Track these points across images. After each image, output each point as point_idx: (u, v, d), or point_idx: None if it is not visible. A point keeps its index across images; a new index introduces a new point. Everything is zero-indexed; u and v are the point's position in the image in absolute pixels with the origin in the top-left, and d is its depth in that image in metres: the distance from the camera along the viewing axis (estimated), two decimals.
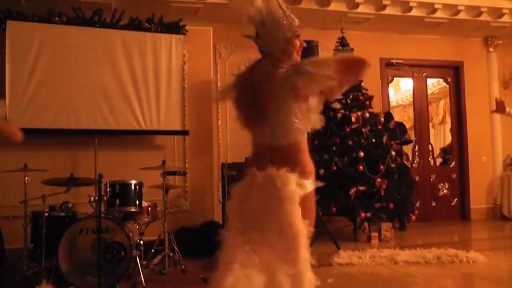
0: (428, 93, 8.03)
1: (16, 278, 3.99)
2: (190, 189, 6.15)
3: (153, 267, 4.35)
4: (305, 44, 2.28)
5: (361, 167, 5.75)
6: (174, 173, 5.39)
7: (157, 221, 4.58)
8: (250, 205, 2.04)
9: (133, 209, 4.30)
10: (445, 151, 8.50)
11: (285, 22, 2.24)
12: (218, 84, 6.52)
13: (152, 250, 4.57)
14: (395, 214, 6.10)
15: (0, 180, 4.94)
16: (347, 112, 6.04)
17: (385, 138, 6.01)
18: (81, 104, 5.49)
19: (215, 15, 6.21)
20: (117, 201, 4.19)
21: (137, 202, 4.32)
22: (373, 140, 5.94)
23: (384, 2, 6.47)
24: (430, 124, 8.69)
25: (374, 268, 4.39)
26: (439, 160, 8.22)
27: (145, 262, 4.34)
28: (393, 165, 5.94)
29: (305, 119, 2.08)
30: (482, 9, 6.90)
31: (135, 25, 5.79)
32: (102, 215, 3.73)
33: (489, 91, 7.82)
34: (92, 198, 4.17)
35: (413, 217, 6.31)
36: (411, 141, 7.42)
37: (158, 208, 4.59)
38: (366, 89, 6.21)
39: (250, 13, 2.22)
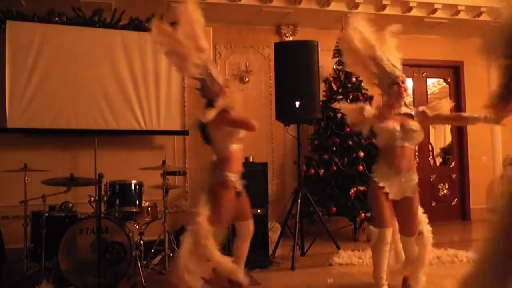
0: (428, 93, 8.03)
1: (16, 278, 3.98)
2: (190, 189, 6.15)
3: (153, 267, 4.36)
4: (407, 89, 3.40)
5: (361, 167, 5.75)
6: (174, 173, 5.39)
7: (157, 221, 4.58)
8: None
9: (133, 209, 4.30)
10: (445, 151, 8.49)
11: (387, 70, 3.36)
12: None
13: (152, 250, 4.57)
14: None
15: (0, 180, 4.94)
16: None
17: None
18: (81, 104, 5.49)
19: (215, 15, 6.21)
20: (117, 201, 4.19)
21: (137, 202, 4.31)
22: (373, 140, 5.93)
23: (384, 2, 6.47)
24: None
25: None
26: (439, 160, 8.22)
27: (145, 262, 4.34)
28: None
29: None
30: (482, 9, 6.89)
31: (135, 25, 5.80)
32: (102, 215, 3.73)
33: (489, 91, 7.80)
34: (92, 198, 4.17)
35: None
36: None
37: (158, 208, 4.58)
38: (366, 89, 6.21)
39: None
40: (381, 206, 3.30)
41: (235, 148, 3.39)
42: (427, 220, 3.51)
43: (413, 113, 3.36)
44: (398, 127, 3.27)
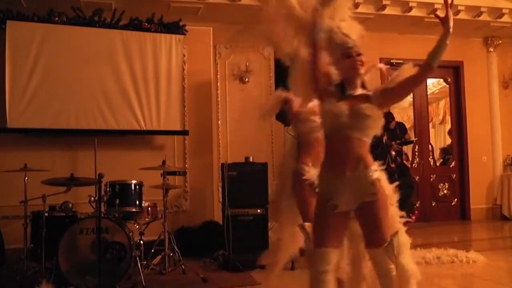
0: (428, 93, 8.03)
1: (16, 278, 3.99)
2: (190, 189, 6.14)
3: (153, 267, 4.36)
4: (363, 63, 2.53)
5: None
6: (174, 173, 5.39)
7: (157, 221, 4.58)
8: None
9: (133, 209, 4.30)
10: (445, 151, 8.49)
11: (338, 41, 2.53)
12: (218, 85, 6.52)
13: (152, 250, 4.57)
14: None
15: (0, 180, 4.94)
16: None
17: (385, 138, 6.01)
18: (81, 104, 5.49)
19: (215, 15, 6.21)
20: (117, 201, 4.20)
21: (137, 202, 4.32)
22: (373, 140, 5.93)
23: (384, 2, 6.47)
24: (430, 124, 8.68)
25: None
26: (439, 160, 8.22)
27: (145, 262, 4.34)
28: (393, 165, 5.94)
29: None
30: (482, 9, 6.90)
31: (135, 25, 5.79)
32: (102, 215, 3.73)
33: (489, 91, 7.82)
34: (92, 198, 4.17)
35: (413, 217, 6.31)
36: (412, 142, 7.42)
37: (158, 208, 4.59)
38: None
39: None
40: (323, 223, 2.40)
41: (314, 137, 3.14)
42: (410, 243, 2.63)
43: (371, 93, 2.50)
44: (346, 110, 2.42)
